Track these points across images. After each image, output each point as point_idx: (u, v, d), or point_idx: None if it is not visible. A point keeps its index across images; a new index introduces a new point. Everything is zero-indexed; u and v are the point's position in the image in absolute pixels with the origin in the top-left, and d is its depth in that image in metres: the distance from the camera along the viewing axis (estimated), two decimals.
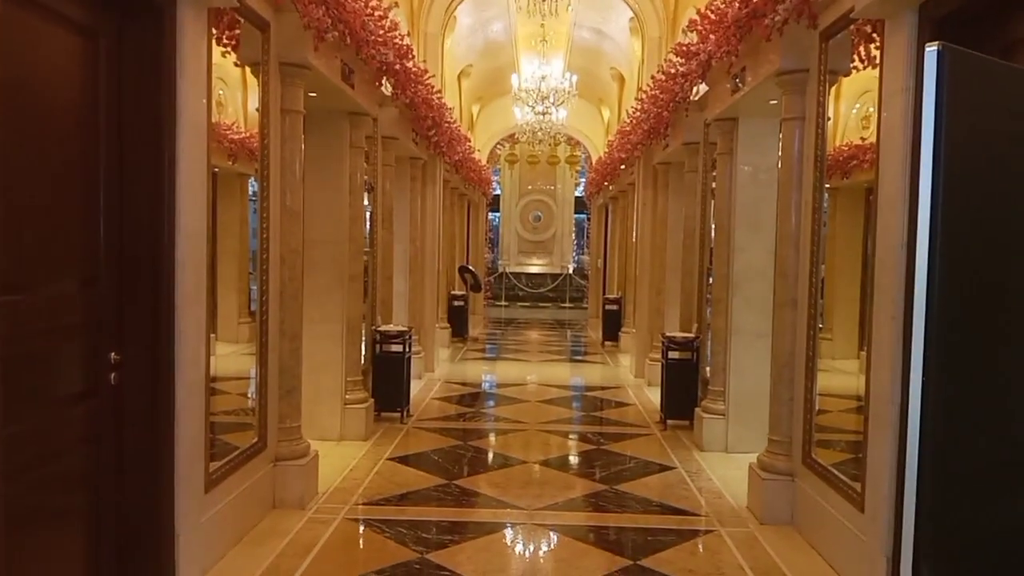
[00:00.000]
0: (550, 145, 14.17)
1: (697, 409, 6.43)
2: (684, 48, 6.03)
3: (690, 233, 7.27)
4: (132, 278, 3.18)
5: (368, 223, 6.81)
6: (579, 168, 18.98)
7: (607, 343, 12.99)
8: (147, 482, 3.22)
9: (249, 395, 4.45)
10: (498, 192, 20.89)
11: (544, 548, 4.18)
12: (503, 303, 20.26)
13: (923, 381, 1.63)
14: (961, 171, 1.80)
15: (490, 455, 6.14)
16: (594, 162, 15.29)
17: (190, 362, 3.38)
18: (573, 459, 6.12)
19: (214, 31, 3.57)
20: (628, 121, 9.19)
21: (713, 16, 5.10)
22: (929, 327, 1.60)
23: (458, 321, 13.04)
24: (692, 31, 5.77)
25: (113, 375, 3.13)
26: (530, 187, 21.02)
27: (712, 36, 5.22)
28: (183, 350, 3.31)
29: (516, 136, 14.43)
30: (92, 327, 3.05)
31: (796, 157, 4.51)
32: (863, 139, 3.94)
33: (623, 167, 10.93)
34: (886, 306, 3.38)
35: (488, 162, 16.68)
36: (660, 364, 7.20)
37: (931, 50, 1.79)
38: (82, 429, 3.01)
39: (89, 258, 3.04)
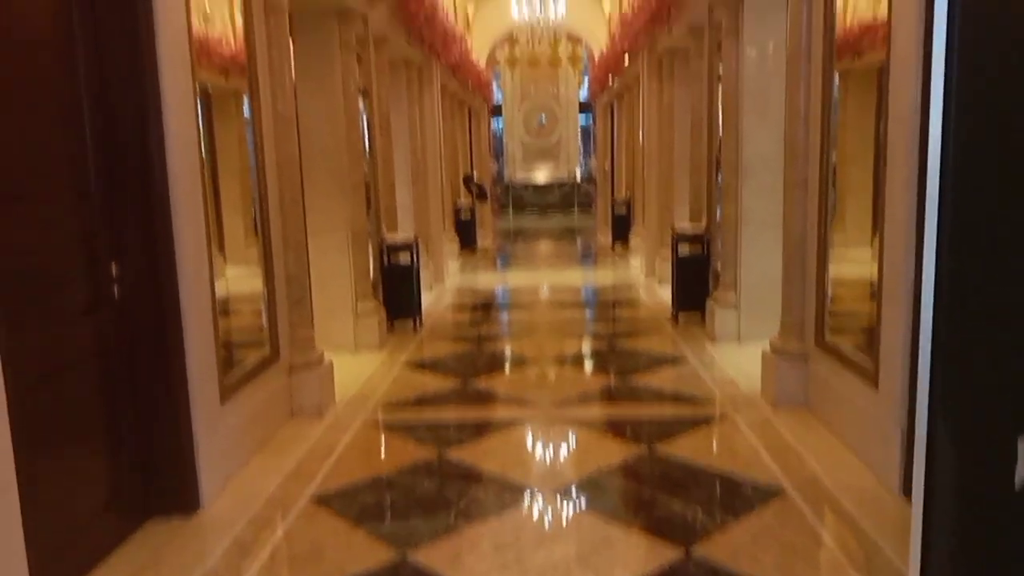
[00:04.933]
0: (550, 44, 13.69)
1: (708, 301, 6.41)
2: None
3: (697, 122, 7.07)
4: (125, 190, 3.12)
5: (365, 130, 6.65)
6: (581, 68, 18.40)
7: (617, 246, 12.93)
8: (161, 393, 3.24)
9: (261, 313, 4.44)
10: (499, 102, 20.41)
11: (561, 440, 4.23)
12: (510, 213, 20.10)
13: (938, 217, 1.54)
14: (980, 18, 1.63)
15: (505, 358, 6.18)
16: (596, 59, 14.81)
17: (193, 273, 3.34)
18: (586, 357, 6.15)
19: None
20: (630, 7, 8.82)
21: None
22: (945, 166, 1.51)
23: (466, 233, 12.95)
24: None
25: (116, 288, 3.11)
26: (532, 90, 20.51)
27: None
28: (185, 261, 3.26)
29: (514, 36, 13.93)
30: (89, 240, 3.01)
31: (804, 26, 4.29)
32: (875, 16, 3.72)
33: (627, 58, 10.57)
34: (899, 174, 3.27)
35: (487, 67, 16.19)
36: (670, 261, 7.14)
37: None
38: (90, 343, 3.01)
39: (79, 172, 2.98)
